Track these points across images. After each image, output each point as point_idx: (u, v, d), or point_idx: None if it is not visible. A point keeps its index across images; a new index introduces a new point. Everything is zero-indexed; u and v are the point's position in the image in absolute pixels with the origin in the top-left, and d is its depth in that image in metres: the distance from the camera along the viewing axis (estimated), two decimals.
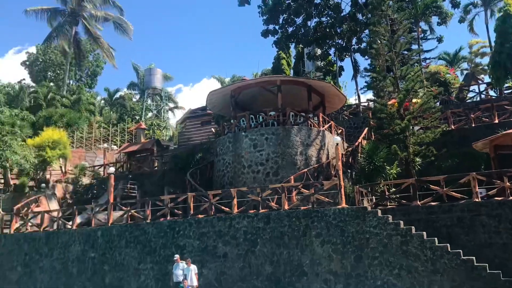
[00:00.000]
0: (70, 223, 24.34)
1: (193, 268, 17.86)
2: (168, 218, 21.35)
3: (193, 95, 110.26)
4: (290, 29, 42.36)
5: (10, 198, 29.48)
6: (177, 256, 18.55)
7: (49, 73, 62.66)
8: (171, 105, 66.74)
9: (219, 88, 28.66)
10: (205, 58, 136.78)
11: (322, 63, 44.36)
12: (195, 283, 17.63)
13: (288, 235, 17.86)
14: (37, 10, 53.14)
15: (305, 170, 22.46)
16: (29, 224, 25.85)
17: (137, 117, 58.28)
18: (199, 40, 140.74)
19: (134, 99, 64.33)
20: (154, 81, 56.03)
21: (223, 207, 20.05)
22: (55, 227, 25.43)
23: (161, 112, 60.66)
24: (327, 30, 41.30)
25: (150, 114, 60.32)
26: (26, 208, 27.53)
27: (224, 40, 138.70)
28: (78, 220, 24.50)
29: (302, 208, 18.41)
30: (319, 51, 43.68)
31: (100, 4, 55.67)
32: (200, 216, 20.20)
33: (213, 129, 36.95)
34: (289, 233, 17.85)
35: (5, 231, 26.16)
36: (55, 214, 25.92)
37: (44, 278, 23.28)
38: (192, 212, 20.70)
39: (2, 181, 31.31)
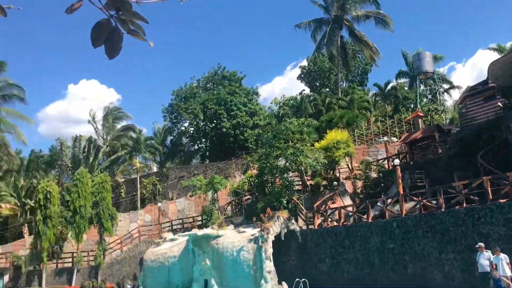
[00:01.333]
0: (365, 216, 25.57)
1: (504, 257, 16.27)
2: (464, 205, 20.12)
3: (468, 71, 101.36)
4: None
5: (308, 197, 32.94)
6: (480, 245, 17.25)
7: (323, 80, 67.74)
8: (446, 86, 62.99)
9: (501, 57, 25.62)
10: (476, 28, 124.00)
11: None
12: (509, 273, 16.01)
13: None
14: (304, 24, 58.29)
15: None
16: (329, 219, 28.35)
17: (412, 106, 57.12)
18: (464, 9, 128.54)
19: (405, 88, 63.35)
20: (424, 65, 53.85)
21: None
22: (351, 221, 27.16)
23: (437, 95, 57.82)
24: None
25: (425, 100, 58.28)
26: (323, 205, 30.29)
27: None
28: (372, 213, 25.52)
29: None
30: None
31: (359, 2, 57.22)
32: (501, 200, 18.34)
33: (499, 104, 33.09)
34: None
35: (310, 226, 29.33)
36: (350, 209, 27.73)
37: (350, 269, 25.04)
38: (490, 197, 18.99)
39: (300, 183, 35.27)
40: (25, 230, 40.15)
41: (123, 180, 54.80)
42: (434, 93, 58.21)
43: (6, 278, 34.30)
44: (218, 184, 35.47)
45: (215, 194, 36.48)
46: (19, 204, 46.82)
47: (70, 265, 36.09)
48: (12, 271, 34.62)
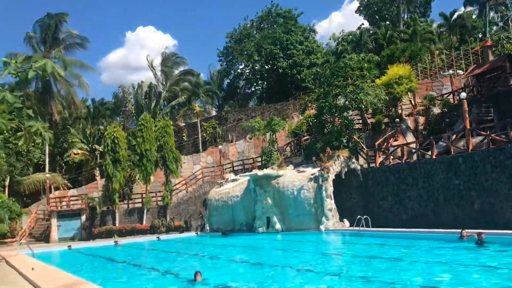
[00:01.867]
0: (429, 153, 24.86)
1: None
2: None
3: None
4: None
5: (369, 135, 32.37)
6: None
7: (383, 12, 64.41)
8: None
9: None
10: None
11: None
12: None
13: None
14: None
15: None
16: (391, 157, 27.84)
17: (480, 35, 53.39)
18: None
19: (473, 16, 59.04)
20: None
21: None
22: (414, 158, 26.53)
23: (509, 22, 53.50)
24: None
25: (495, 28, 54.17)
26: (385, 143, 29.70)
27: None
28: (436, 149, 24.74)
29: None
30: None
31: None
32: None
33: None
34: None
35: (371, 165, 29.01)
36: (413, 146, 27.02)
37: (413, 206, 24.76)
38: None
39: (360, 121, 34.60)
40: (97, 173, 42.63)
41: (184, 124, 56.29)
42: (506, 19, 53.86)
43: (83, 218, 36.97)
44: (276, 126, 35.54)
45: (274, 135, 36.65)
46: (89, 149, 49.57)
47: (140, 205, 38.24)
48: (88, 212, 37.23)
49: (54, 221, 36.65)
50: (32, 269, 15.25)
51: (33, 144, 45.62)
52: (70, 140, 50.37)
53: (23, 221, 37.68)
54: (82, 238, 35.92)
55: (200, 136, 48.33)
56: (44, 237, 37.13)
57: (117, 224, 36.28)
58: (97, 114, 55.84)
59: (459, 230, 17.87)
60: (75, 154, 49.04)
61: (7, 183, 40.61)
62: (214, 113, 61.03)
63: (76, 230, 36.98)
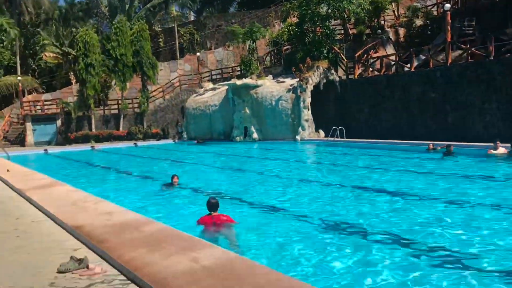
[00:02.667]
0: (408, 65, 24.80)
1: None
2: None
3: None
4: None
5: (350, 46, 31.90)
6: None
7: None
8: None
9: None
10: None
11: None
12: None
13: None
14: None
15: None
16: (370, 69, 27.73)
17: None
18: None
19: None
20: None
21: None
22: (393, 70, 26.49)
23: None
24: None
25: None
26: (365, 55, 29.40)
27: None
28: (415, 62, 24.67)
29: None
30: None
31: None
32: None
33: None
34: None
35: (350, 77, 28.92)
36: (392, 58, 26.85)
37: (388, 118, 25.17)
38: None
39: (342, 31, 33.89)
40: (73, 78, 41.52)
41: (161, 29, 54.21)
42: None
43: (59, 122, 36.58)
44: (257, 33, 34.61)
45: (254, 43, 35.81)
46: (61, 53, 47.79)
47: (116, 111, 37.87)
48: (63, 117, 36.77)
49: (28, 125, 36.23)
50: (8, 170, 15.24)
51: (1, 44, 43.67)
52: (41, 42, 48.25)
53: None
54: (58, 143, 35.83)
55: (177, 42, 46.88)
56: (20, 141, 36.90)
57: (93, 130, 36.13)
58: (70, 16, 53.11)
59: (428, 142, 18.40)
60: (46, 56, 47.27)
61: None
62: (192, 18, 58.79)
63: (52, 134, 36.75)
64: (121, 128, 36.59)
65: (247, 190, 12.24)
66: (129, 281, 4.37)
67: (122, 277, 4.51)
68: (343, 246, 6.70)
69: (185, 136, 34.11)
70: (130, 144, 32.32)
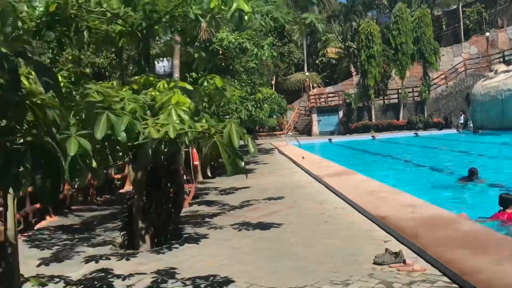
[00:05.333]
0: None
1: None
2: None
3: None
4: None
5: None
6: None
7: None
8: None
9: None
10: None
11: None
12: None
13: None
14: None
15: None
16: None
17: None
18: None
19: None
20: None
21: None
22: None
23: None
24: None
25: None
26: None
27: None
28: None
29: None
30: None
31: None
32: None
33: None
34: None
35: None
36: None
37: None
38: None
39: None
40: (353, 70, 43.17)
41: (441, 13, 50.95)
42: None
43: (341, 113, 38.54)
44: None
45: None
46: (343, 47, 50.14)
47: (395, 101, 37.50)
48: (344, 108, 38.55)
49: (314, 116, 39.34)
50: (303, 157, 16.73)
51: (293, 44, 48.65)
52: (322, 39, 51.69)
53: (288, 116, 41.66)
54: (340, 133, 37.76)
55: (461, 24, 43.19)
56: (306, 131, 40.45)
57: (373, 120, 36.71)
58: (350, 10, 55.22)
59: None
60: (328, 52, 50.36)
61: (273, 82, 44.93)
62: None
63: (335, 125, 38.98)
64: (400, 118, 36.06)
65: None
66: (455, 285, 3.93)
67: (445, 279, 4.11)
68: None
69: (471, 125, 31.16)
70: (410, 133, 31.48)
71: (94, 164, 2.78)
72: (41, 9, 5.87)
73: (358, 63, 37.34)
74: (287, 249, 5.55)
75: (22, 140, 1.82)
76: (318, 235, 6.10)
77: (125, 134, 3.02)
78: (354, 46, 44.08)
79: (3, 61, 1.41)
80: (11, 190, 2.97)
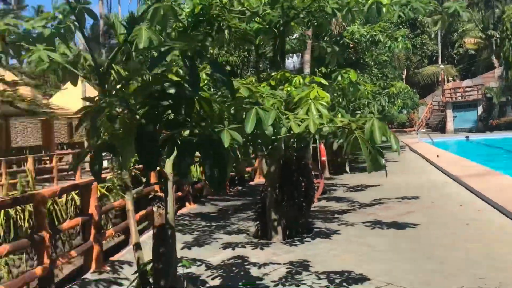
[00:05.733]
0: None
1: None
2: None
3: None
4: None
5: None
6: None
7: None
8: None
9: None
10: None
11: None
12: None
13: None
14: None
15: None
16: None
17: None
18: None
19: None
20: None
21: None
22: None
23: None
24: None
25: None
26: None
27: None
28: None
29: None
30: None
31: None
32: None
33: None
34: None
35: None
36: None
37: None
38: None
39: None
40: (495, 61, 39.44)
41: None
42: None
43: (480, 109, 35.43)
44: None
45: None
46: (483, 37, 45.98)
47: None
48: (485, 103, 35.36)
49: (449, 112, 36.79)
50: (437, 156, 15.76)
51: (426, 36, 45.95)
52: (460, 30, 47.95)
53: (419, 111, 39.48)
54: (478, 130, 34.77)
55: None
56: (440, 128, 37.99)
57: None
58: None
59: None
60: (466, 43, 46.56)
61: (404, 75, 42.88)
62: None
63: (472, 121, 36.04)
64: None
65: None
66: None
67: None
68: None
69: None
70: None
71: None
72: (188, 10, 6.33)
73: (501, 54, 33.96)
74: (426, 250, 5.30)
75: (187, 133, 1.98)
76: (460, 238, 5.72)
77: (272, 129, 3.14)
78: (497, 35, 40.26)
79: (186, 59, 1.56)
80: (170, 177, 3.31)
